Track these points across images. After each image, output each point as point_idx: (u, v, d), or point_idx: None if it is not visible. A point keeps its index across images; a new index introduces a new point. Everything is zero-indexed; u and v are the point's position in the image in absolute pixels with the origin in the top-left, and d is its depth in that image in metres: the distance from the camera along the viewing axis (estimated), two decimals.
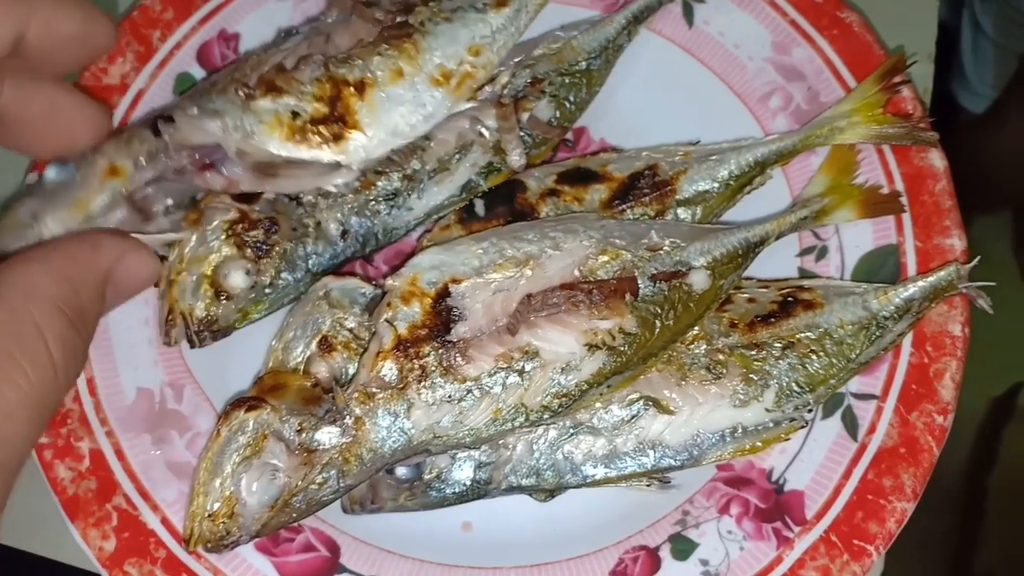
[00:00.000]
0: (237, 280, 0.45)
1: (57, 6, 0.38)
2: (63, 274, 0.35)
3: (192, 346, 0.45)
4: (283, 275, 0.46)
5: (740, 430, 0.44)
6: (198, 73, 0.51)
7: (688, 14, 0.53)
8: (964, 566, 1.01)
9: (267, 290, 0.46)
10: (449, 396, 0.42)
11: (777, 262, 0.49)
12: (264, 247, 0.46)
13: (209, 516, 0.41)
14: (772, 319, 0.45)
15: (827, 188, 0.49)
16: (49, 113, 0.41)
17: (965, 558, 1.01)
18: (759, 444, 0.44)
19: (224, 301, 0.45)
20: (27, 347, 0.33)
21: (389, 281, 0.44)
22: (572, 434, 0.45)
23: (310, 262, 0.47)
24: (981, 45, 0.91)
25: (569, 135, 0.52)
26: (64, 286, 0.35)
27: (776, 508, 0.45)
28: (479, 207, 0.49)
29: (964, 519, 1.01)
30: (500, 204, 0.49)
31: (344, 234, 0.47)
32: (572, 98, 0.51)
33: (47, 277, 0.35)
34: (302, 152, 0.45)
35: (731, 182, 0.49)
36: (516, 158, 0.50)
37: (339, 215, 0.47)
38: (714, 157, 0.49)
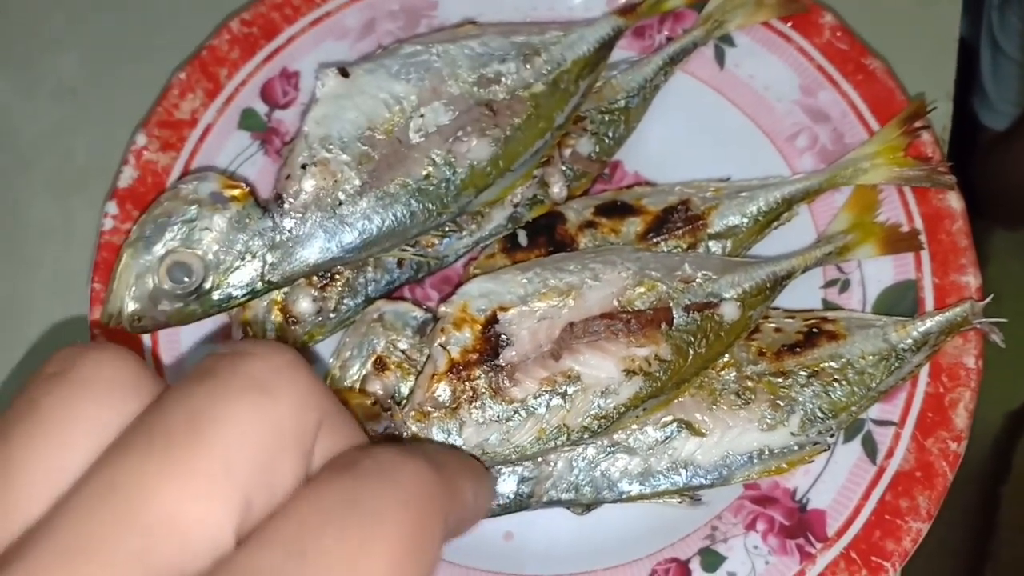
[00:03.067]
0: (304, 306, 0.48)
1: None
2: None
3: None
4: (345, 301, 0.49)
5: (767, 452, 0.47)
6: (261, 109, 0.54)
7: (720, 57, 0.56)
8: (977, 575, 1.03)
9: (331, 315, 0.49)
10: (497, 416, 0.45)
11: (803, 293, 0.52)
12: (328, 276, 0.49)
13: None
14: (798, 348, 0.48)
15: (850, 225, 0.52)
16: None
17: (979, 569, 1.03)
18: (784, 466, 0.47)
19: (292, 325, 0.48)
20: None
21: (442, 308, 0.47)
22: (610, 453, 0.48)
23: (369, 288, 0.50)
24: (1000, 64, 0.92)
25: (606, 169, 0.55)
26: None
27: (799, 525, 0.48)
28: (522, 237, 0.52)
29: (978, 530, 1.03)
30: (541, 235, 0.52)
31: (400, 263, 0.51)
32: (611, 134, 0.54)
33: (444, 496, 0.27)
34: None
35: (760, 218, 0.52)
36: (558, 191, 0.53)
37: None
38: (744, 194, 0.52)
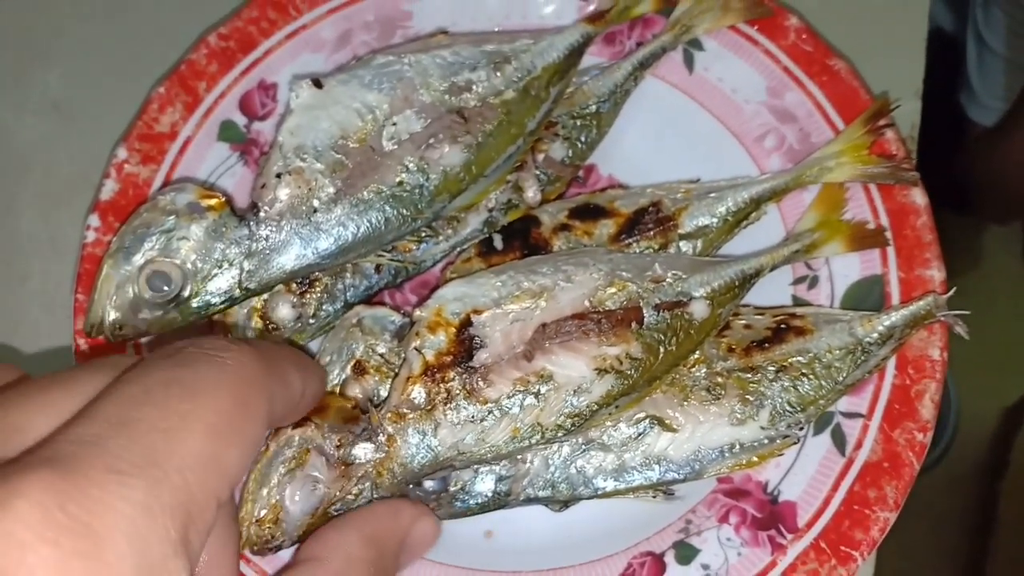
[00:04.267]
0: (284, 312, 0.49)
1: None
2: (373, 539, 0.34)
3: None
4: (324, 306, 0.51)
5: (738, 446, 0.48)
6: (240, 120, 0.55)
7: (689, 61, 0.57)
8: (976, 573, 1.04)
9: (310, 321, 0.50)
10: (472, 416, 0.46)
11: (772, 290, 0.53)
12: (307, 282, 0.50)
13: (256, 522, 0.45)
14: (767, 344, 0.49)
15: (817, 224, 0.53)
16: None
17: (978, 565, 1.04)
18: (755, 459, 0.48)
19: (272, 332, 0.49)
20: None
21: (417, 312, 0.48)
22: (584, 450, 0.49)
23: (348, 294, 0.51)
24: (986, 59, 0.93)
25: (580, 172, 0.57)
26: (372, 550, 0.34)
27: (771, 517, 0.49)
28: (497, 241, 0.53)
29: (976, 526, 1.04)
30: (516, 238, 0.53)
31: (378, 268, 0.52)
32: (583, 139, 0.55)
33: (360, 542, 0.34)
34: None
35: (729, 217, 0.53)
36: (532, 195, 0.54)
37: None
38: (713, 194, 0.53)
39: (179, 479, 0.22)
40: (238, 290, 0.47)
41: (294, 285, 0.50)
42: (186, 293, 0.46)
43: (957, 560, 1.09)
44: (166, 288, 0.46)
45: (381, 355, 0.49)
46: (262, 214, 0.47)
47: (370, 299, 0.53)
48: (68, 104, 0.62)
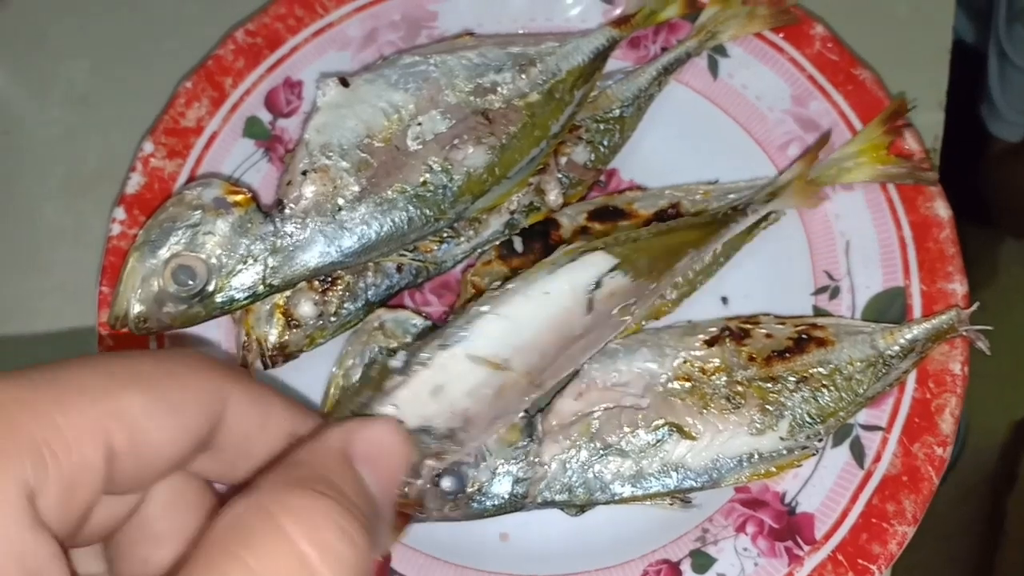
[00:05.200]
0: (306, 310, 0.50)
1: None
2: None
3: (265, 368, 0.50)
4: (346, 305, 0.51)
5: (756, 456, 0.48)
6: (265, 117, 0.55)
7: (713, 67, 0.57)
8: None
9: (332, 318, 0.50)
10: None
11: (793, 300, 0.53)
12: (329, 280, 0.50)
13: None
14: (787, 354, 0.49)
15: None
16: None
17: None
18: (773, 469, 0.48)
19: (294, 328, 0.50)
20: None
21: None
22: (602, 455, 0.48)
23: (369, 293, 0.51)
24: (1008, 74, 0.92)
25: (601, 176, 0.57)
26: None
27: (788, 528, 0.49)
28: (517, 243, 0.53)
29: (984, 541, 1.03)
30: (536, 240, 0.53)
31: (399, 268, 0.52)
32: (606, 143, 0.55)
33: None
34: None
35: None
36: (554, 198, 0.54)
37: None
38: (732, 195, 0.53)
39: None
40: (262, 286, 0.47)
41: (316, 283, 0.50)
42: (211, 288, 0.46)
43: (965, 574, 1.09)
44: (191, 282, 0.46)
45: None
46: (287, 211, 0.47)
47: (391, 299, 0.53)
48: (94, 97, 0.62)
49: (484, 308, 0.46)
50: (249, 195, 0.48)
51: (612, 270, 0.47)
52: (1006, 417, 1.08)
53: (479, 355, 0.44)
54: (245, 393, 0.29)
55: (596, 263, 0.48)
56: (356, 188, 0.47)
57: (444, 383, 0.44)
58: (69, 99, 0.62)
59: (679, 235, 0.50)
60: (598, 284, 0.47)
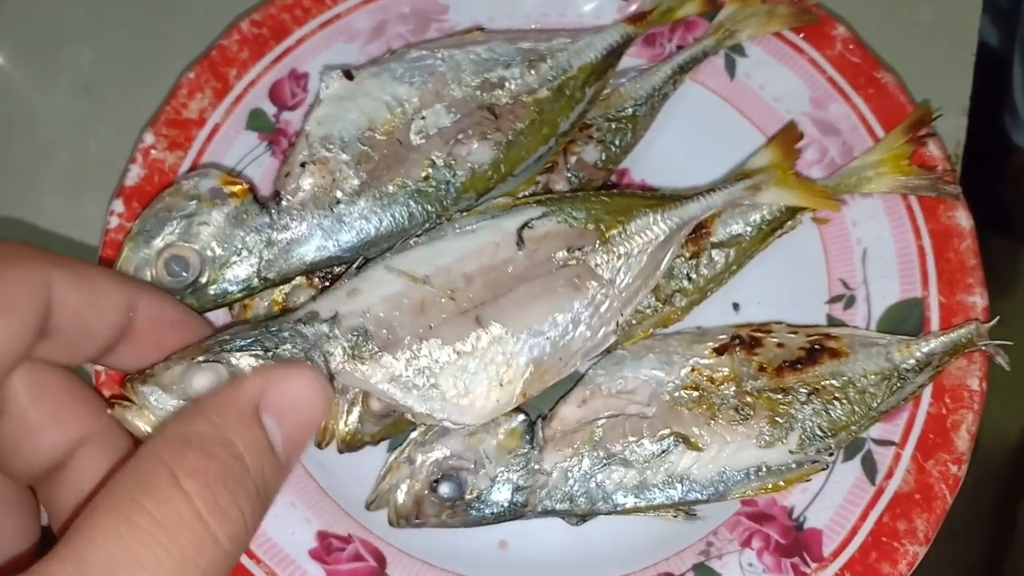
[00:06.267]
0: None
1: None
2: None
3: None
4: None
5: (764, 469, 0.46)
6: (270, 109, 0.54)
7: (730, 67, 0.55)
8: None
9: None
10: None
11: (807, 309, 0.51)
12: (329, 275, 0.48)
13: None
14: (799, 365, 0.47)
15: (771, 164, 0.51)
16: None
17: None
18: (781, 483, 0.46)
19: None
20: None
21: None
22: (605, 464, 0.47)
23: None
24: None
25: (612, 176, 0.55)
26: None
27: (795, 544, 0.47)
28: None
29: (994, 545, 1.01)
30: None
31: None
32: (618, 142, 0.54)
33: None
34: None
35: (763, 226, 0.51)
36: None
37: None
38: (747, 202, 0.52)
39: None
40: (256, 279, 0.46)
41: (315, 279, 0.49)
42: (204, 279, 0.45)
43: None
44: (184, 273, 0.45)
45: None
46: (284, 203, 0.46)
47: None
48: (99, 86, 0.61)
49: (412, 240, 0.46)
50: (246, 186, 0.47)
51: (542, 216, 0.47)
52: (1018, 420, 1.06)
53: (397, 267, 0.44)
54: (69, 273, 0.33)
55: (525, 211, 0.47)
56: (356, 181, 0.46)
57: (360, 287, 0.44)
58: (73, 88, 0.61)
59: (627, 199, 0.49)
60: (527, 224, 0.46)
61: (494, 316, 0.44)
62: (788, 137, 0.52)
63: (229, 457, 0.28)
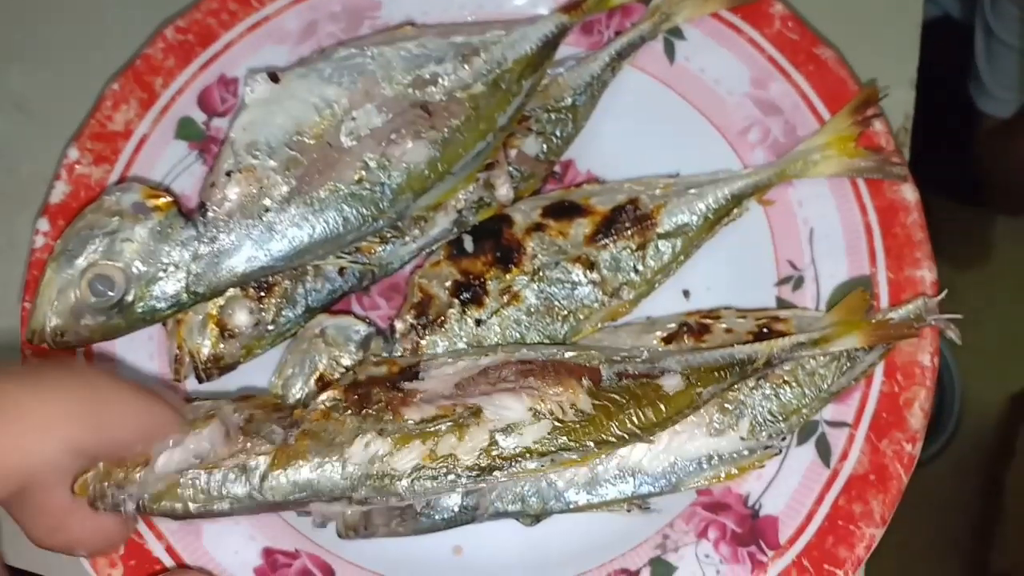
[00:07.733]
0: (241, 318, 0.47)
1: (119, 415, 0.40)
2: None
3: (200, 382, 0.47)
4: (284, 312, 0.48)
5: (716, 458, 0.46)
6: (199, 117, 0.53)
7: (669, 51, 0.54)
8: (981, 564, 1.03)
9: (269, 327, 0.48)
10: (384, 429, 0.42)
11: (756, 291, 0.50)
12: (265, 286, 0.48)
13: None
14: None
15: (836, 322, 0.47)
16: None
17: (982, 556, 1.02)
18: (734, 471, 0.46)
19: (229, 339, 0.47)
20: None
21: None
22: None
23: (309, 298, 0.49)
24: (996, 50, 0.90)
25: (556, 168, 0.54)
26: None
27: (751, 533, 0.46)
28: (468, 243, 0.51)
29: (981, 516, 1.02)
30: (488, 239, 0.50)
31: (341, 271, 0.49)
32: (559, 133, 0.53)
33: None
34: None
35: (710, 215, 0.50)
36: (504, 192, 0.51)
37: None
38: (693, 190, 0.51)
39: None
40: (186, 294, 0.45)
41: (252, 290, 0.48)
42: (130, 298, 0.44)
43: (961, 550, 1.07)
44: (109, 293, 0.44)
45: (346, 367, 0.47)
46: (210, 214, 0.45)
47: (336, 303, 0.50)
48: (28, 102, 0.60)
49: None
50: (170, 199, 0.46)
51: None
52: (1002, 390, 1.06)
53: None
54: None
55: None
56: (285, 188, 0.45)
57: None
58: (2, 105, 0.60)
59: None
60: None
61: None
62: (852, 303, 0.48)
63: None
